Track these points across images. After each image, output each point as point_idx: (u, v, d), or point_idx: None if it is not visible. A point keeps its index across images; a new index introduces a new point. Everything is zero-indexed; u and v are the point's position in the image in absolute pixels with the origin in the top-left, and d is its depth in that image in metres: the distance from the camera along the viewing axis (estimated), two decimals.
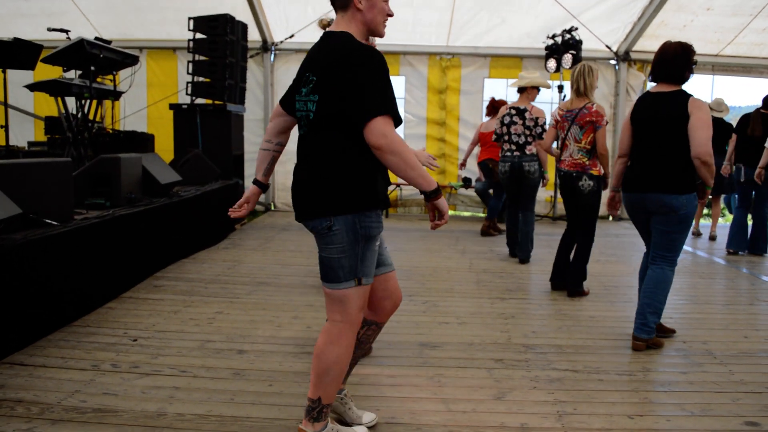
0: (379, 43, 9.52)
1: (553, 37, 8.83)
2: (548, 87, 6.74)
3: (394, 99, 2.40)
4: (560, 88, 8.96)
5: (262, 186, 2.89)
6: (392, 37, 9.34)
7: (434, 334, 4.07)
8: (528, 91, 6.37)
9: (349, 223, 2.39)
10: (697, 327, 4.39)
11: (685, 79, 3.83)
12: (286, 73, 9.72)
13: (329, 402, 2.55)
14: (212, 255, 6.32)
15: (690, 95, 3.77)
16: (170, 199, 5.79)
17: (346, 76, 2.33)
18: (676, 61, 3.78)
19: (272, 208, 9.87)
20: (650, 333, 3.90)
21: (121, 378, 3.22)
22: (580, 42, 8.46)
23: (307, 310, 4.54)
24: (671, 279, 3.92)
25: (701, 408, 3.08)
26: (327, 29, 2.55)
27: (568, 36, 8.54)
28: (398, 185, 9.60)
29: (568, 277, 5.12)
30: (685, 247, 7.50)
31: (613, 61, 9.69)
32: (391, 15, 2.51)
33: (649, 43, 9.31)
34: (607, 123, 4.93)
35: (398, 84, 9.78)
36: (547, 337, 4.08)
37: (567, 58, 8.51)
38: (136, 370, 3.33)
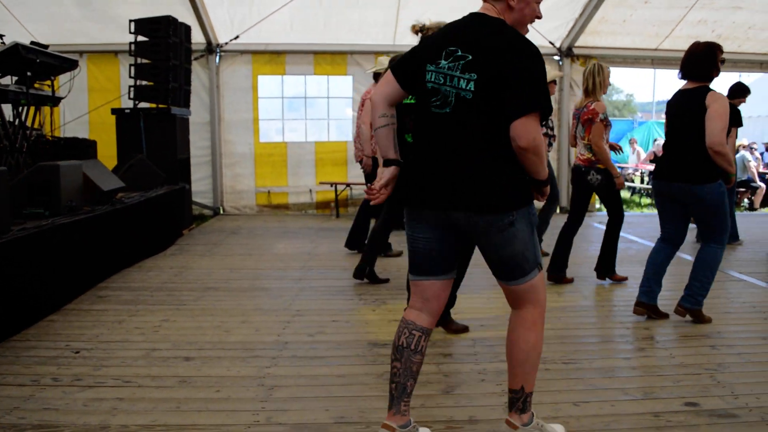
0: (325, 42, 9.54)
1: None
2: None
3: (548, 95, 2.33)
4: None
5: (399, 163, 2.58)
6: (339, 37, 9.42)
7: (384, 332, 4.08)
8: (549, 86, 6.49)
9: (525, 214, 2.38)
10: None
11: (710, 77, 4.11)
12: (232, 75, 9.61)
13: (531, 390, 2.55)
14: (159, 262, 6.20)
15: (710, 90, 4.05)
16: (113, 206, 5.65)
17: (517, 66, 2.27)
18: (701, 59, 4.08)
19: (221, 212, 9.73)
20: (694, 305, 4.23)
21: (62, 392, 3.12)
22: None
23: (256, 313, 4.49)
24: (718, 257, 4.19)
25: (644, 392, 3.17)
26: (474, 12, 2.45)
27: None
28: (348, 185, 9.59)
29: (603, 263, 5.39)
30: (637, 238, 7.69)
31: (556, 57, 9.87)
32: (539, 17, 2.48)
33: (591, 39, 9.53)
34: (601, 120, 5.07)
35: (346, 84, 9.78)
36: (495, 330, 4.11)
37: None
38: (78, 383, 3.24)
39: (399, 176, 2.53)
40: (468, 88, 2.30)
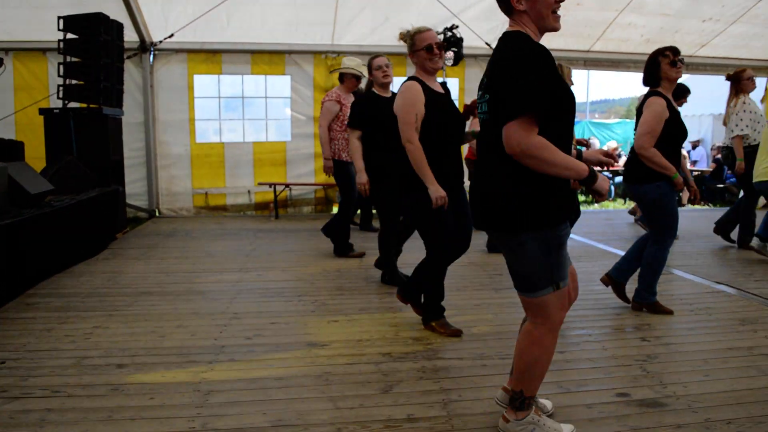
0: (262, 41, 9.42)
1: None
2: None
3: (538, 95, 2.25)
4: (443, 85, 9.13)
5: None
6: (276, 37, 9.33)
7: (323, 333, 4.06)
8: None
9: (539, 237, 2.39)
10: (575, 308, 4.59)
11: (658, 82, 4.31)
12: (167, 74, 9.39)
13: (531, 395, 2.59)
14: (90, 267, 6.00)
15: (652, 95, 4.28)
16: (41, 209, 5.44)
17: (500, 75, 2.34)
18: (647, 67, 4.36)
19: (156, 214, 9.50)
20: (642, 299, 4.53)
21: None
22: (461, 39, 8.66)
23: (192, 317, 4.40)
24: (658, 256, 4.42)
25: (577, 384, 3.25)
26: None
27: (449, 34, 8.73)
28: (287, 185, 9.51)
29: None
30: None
31: None
32: (561, 0, 2.41)
33: None
34: None
35: (284, 83, 9.69)
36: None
37: (449, 56, 8.70)
38: (4, 394, 3.10)
39: None
40: (484, 110, 2.47)
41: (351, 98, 6.41)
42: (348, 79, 6.48)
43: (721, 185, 12.67)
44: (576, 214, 4.79)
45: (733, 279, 5.53)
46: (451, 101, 4.08)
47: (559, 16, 2.41)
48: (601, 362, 3.57)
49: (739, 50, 10.37)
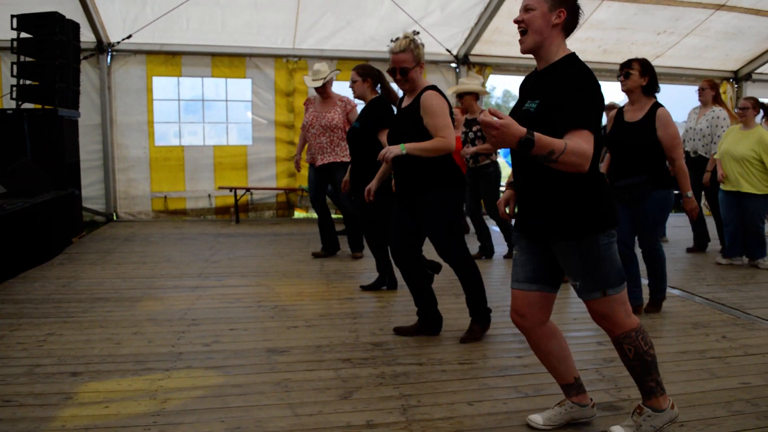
0: (223, 44, 9.35)
1: (396, 40, 9.05)
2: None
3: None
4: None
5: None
6: (237, 39, 9.26)
7: (282, 339, 4.05)
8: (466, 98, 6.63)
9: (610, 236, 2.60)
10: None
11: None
12: (125, 76, 9.24)
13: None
14: (44, 272, 5.86)
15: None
16: None
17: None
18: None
19: (114, 218, 9.33)
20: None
21: None
22: (422, 45, 8.74)
23: (149, 324, 4.34)
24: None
25: (534, 388, 3.30)
26: None
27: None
28: (248, 189, 9.45)
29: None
30: None
31: (453, 64, 10.14)
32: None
33: (486, 48, 9.86)
34: None
35: (245, 86, 9.63)
36: (393, 334, 4.18)
37: None
38: None
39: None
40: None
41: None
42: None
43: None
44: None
45: (686, 284, 5.69)
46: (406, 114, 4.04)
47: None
48: None
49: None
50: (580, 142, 2.34)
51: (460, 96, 6.64)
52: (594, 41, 9.83)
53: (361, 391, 3.25)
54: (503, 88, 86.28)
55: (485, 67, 10.10)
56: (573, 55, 2.55)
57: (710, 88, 6.88)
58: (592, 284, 2.59)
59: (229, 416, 2.94)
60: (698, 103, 7.07)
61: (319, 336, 4.12)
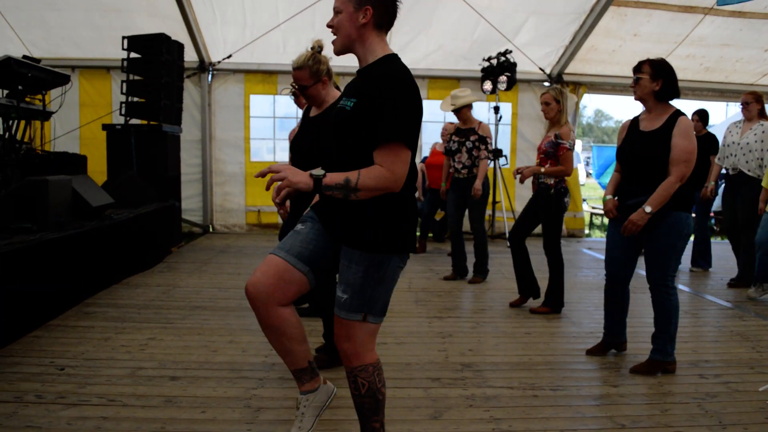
0: None
1: (489, 59, 9.04)
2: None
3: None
4: (496, 109, 9.13)
5: None
6: (332, 60, 9.44)
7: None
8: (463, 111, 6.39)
9: None
10: (630, 341, 4.48)
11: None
12: (224, 93, 9.65)
13: None
14: (146, 279, 6.15)
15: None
16: (102, 222, 5.62)
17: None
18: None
19: (210, 230, 9.70)
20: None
21: (45, 409, 3.08)
22: (514, 64, 8.69)
23: (244, 333, 4.46)
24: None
25: (631, 420, 3.16)
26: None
27: (503, 59, 8.77)
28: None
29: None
30: None
31: (547, 83, 9.99)
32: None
33: (581, 66, 9.67)
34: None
35: None
36: (483, 355, 4.12)
37: (502, 80, 8.74)
38: (62, 400, 3.20)
39: None
40: None
41: None
42: None
43: None
44: None
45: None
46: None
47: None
48: (657, 398, 3.45)
49: None
50: (374, 167, 2.28)
51: (458, 111, 6.34)
52: (695, 59, 9.43)
53: (451, 411, 3.21)
54: (594, 108, 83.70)
55: (579, 86, 9.90)
56: (392, 56, 2.40)
57: (755, 102, 6.48)
58: (359, 303, 2.39)
59: (320, 429, 2.96)
60: (739, 118, 6.74)
61: (408, 353, 4.11)
